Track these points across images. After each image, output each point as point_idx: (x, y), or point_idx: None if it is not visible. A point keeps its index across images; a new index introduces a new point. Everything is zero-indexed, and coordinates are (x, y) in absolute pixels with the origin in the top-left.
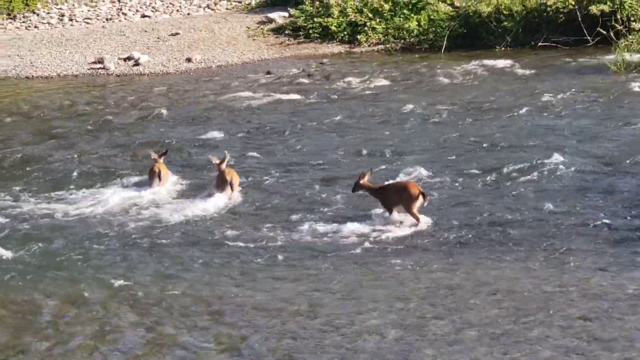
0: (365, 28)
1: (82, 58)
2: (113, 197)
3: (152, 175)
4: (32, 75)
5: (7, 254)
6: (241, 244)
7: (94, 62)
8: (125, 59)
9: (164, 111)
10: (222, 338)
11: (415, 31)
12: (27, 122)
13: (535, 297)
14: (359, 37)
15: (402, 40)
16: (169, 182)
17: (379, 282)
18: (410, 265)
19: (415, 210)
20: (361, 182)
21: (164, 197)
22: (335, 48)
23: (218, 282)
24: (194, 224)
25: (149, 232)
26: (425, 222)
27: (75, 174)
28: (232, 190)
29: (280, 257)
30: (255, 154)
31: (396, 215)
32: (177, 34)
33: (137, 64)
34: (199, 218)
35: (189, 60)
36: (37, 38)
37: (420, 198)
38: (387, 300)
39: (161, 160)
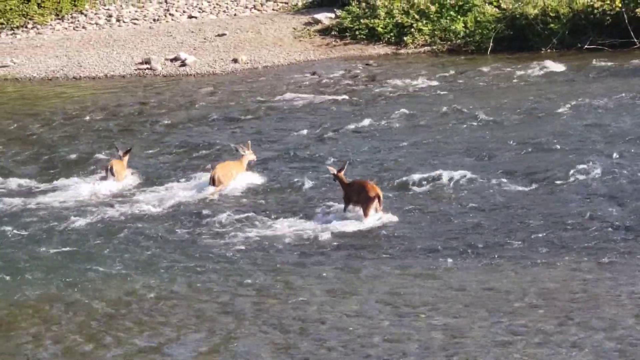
0: (412, 29)
1: (129, 59)
2: (171, 194)
3: (105, 171)
4: (80, 76)
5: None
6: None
7: (141, 63)
8: (172, 60)
9: (210, 111)
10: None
11: (462, 33)
12: (74, 123)
13: (583, 299)
14: (405, 38)
15: (449, 42)
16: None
17: (423, 283)
18: (456, 266)
19: (368, 210)
20: (337, 172)
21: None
22: (381, 49)
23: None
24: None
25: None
26: (374, 222)
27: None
28: None
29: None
30: (300, 153)
31: (350, 211)
32: (223, 34)
33: (183, 64)
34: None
35: (235, 60)
36: (85, 39)
37: (376, 201)
38: (432, 303)
39: (124, 158)
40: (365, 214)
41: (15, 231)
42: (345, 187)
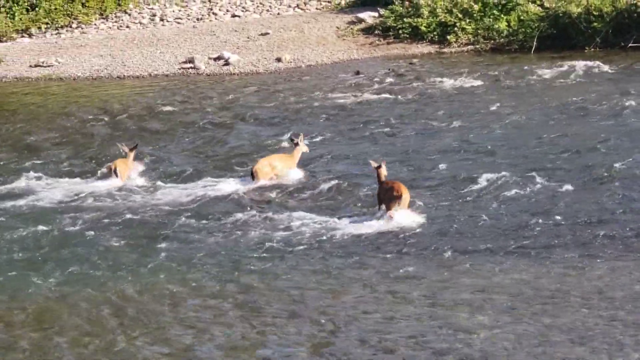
0: (455, 28)
1: (172, 58)
2: (204, 191)
3: (109, 171)
4: (124, 75)
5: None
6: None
7: (185, 62)
8: (215, 59)
9: (254, 110)
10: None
11: (505, 32)
12: (117, 122)
13: (629, 297)
14: (448, 37)
15: (492, 41)
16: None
17: (466, 281)
18: (499, 267)
19: (391, 209)
20: (377, 168)
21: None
22: (424, 48)
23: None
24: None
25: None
26: (399, 224)
27: (161, 170)
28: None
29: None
30: (344, 152)
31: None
32: (267, 33)
33: (227, 63)
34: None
35: (278, 60)
36: (129, 38)
37: (399, 201)
38: (477, 301)
39: (130, 154)
40: (388, 214)
41: (60, 229)
42: (380, 185)
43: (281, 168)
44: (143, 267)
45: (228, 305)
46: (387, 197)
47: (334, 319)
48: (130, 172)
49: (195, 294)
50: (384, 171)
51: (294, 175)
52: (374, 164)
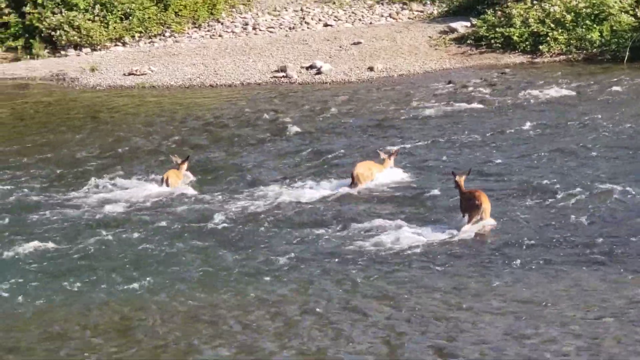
0: (548, 38)
1: (265, 66)
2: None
3: (161, 181)
4: (216, 84)
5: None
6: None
7: (277, 71)
8: (307, 68)
9: (346, 119)
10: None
11: (598, 42)
12: (210, 130)
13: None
14: (541, 47)
15: (584, 51)
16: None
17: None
18: (585, 276)
19: (472, 219)
20: (456, 179)
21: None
22: (517, 58)
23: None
24: None
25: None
26: (470, 234)
27: (248, 178)
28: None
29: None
30: (433, 162)
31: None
32: (359, 42)
33: (319, 72)
34: None
35: (370, 69)
36: (222, 46)
37: (480, 211)
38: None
39: (183, 166)
40: (469, 222)
41: (142, 236)
42: (461, 195)
43: (377, 175)
44: (232, 272)
45: (305, 314)
46: (468, 206)
47: (399, 325)
48: (179, 182)
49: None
50: (462, 181)
51: (385, 181)
52: (458, 177)
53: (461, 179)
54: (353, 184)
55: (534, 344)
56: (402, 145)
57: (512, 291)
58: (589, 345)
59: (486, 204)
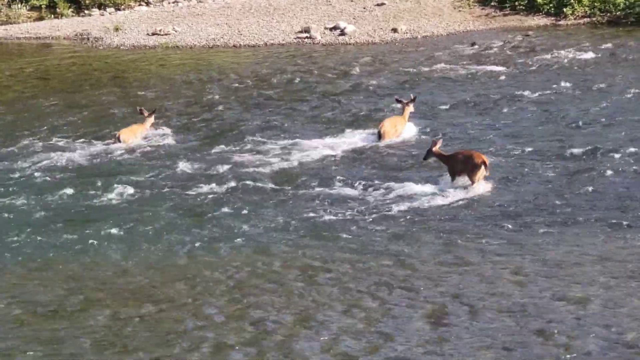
0: (572, 1)
1: (288, 27)
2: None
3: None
4: (240, 44)
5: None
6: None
7: (301, 32)
8: (331, 29)
9: (369, 80)
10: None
11: (622, 4)
12: (233, 90)
13: None
14: (564, 9)
15: (608, 14)
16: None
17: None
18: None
19: (476, 178)
20: (433, 149)
21: None
22: (540, 20)
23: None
24: None
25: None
26: (481, 191)
27: (274, 135)
28: None
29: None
30: (458, 124)
31: (459, 181)
32: (382, 4)
33: (342, 33)
34: None
35: (394, 30)
36: (246, 7)
37: (482, 168)
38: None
39: (147, 120)
40: (473, 181)
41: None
42: (447, 160)
43: (401, 129)
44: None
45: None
46: (468, 166)
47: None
48: (138, 137)
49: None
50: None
51: (407, 132)
52: (435, 147)
53: (437, 148)
54: (380, 139)
55: (563, 306)
56: (418, 93)
57: (540, 252)
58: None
59: (485, 159)
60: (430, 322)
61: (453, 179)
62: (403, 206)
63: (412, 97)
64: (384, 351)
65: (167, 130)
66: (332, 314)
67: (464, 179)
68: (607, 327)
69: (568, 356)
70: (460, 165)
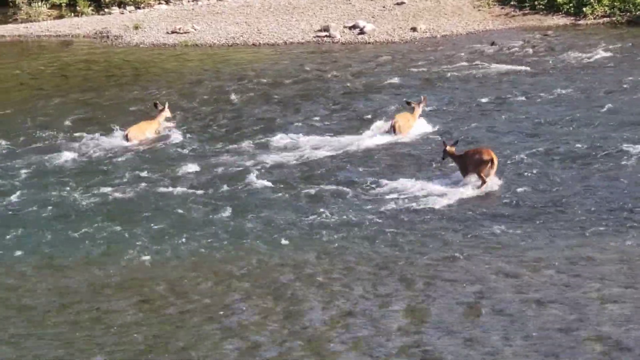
0: (591, 0)
1: (308, 26)
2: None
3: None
4: (259, 43)
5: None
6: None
7: (320, 30)
8: (350, 28)
9: (388, 79)
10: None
11: None
12: (252, 88)
13: None
14: (584, 9)
15: (628, 13)
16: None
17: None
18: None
19: (483, 173)
20: (447, 149)
21: None
22: (560, 20)
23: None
24: None
25: None
26: (492, 186)
27: (291, 130)
28: None
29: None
30: (475, 124)
31: (470, 178)
32: (402, 3)
33: (362, 32)
34: None
35: (414, 29)
36: (265, 5)
37: (489, 164)
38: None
39: (160, 115)
40: (481, 178)
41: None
42: (459, 160)
43: (412, 125)
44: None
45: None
46: (476, 163)
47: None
48: (147, 135)
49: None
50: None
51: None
52: (449, 147)
53: (451, 148)
54: (394, 133)
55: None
56: (426, 94)
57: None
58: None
59: (494, 157)
60: (465, 319)
61: (464, 176)
62: (416, 204)
63: (422, 98)
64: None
65: (180, 128)
66: (368, 307)
67: (474, 177)
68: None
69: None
70: (470, 162)
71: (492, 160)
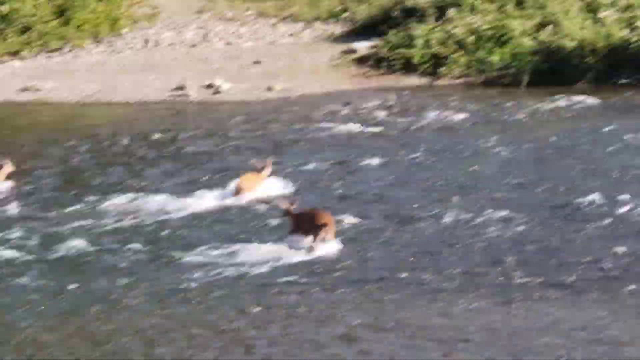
0: (448, 61)
1: (163, 84)
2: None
3: None
4: (112, 101)
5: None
6: None
7: (175, 89)
8: (206, 86)
9: (240, 140)
10: None
11: (498, 65)
12: (103, 149)
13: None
14: (441, 69)
15: (484, 74)
16: None
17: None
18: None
19: (318, 238)
20: (284, 207)
21: None
22: (416, 80)
23: None
24: None
25: None
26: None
27: (137, 194)
28: None
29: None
30: (333, 186)
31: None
32: (259, 62)
33: (218, 91)
34: None
35: (269, 89)
36: (121, 63)
37: (325, 228)
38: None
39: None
40: (315, 240)
41: None
42: (295, 219)
43: (258, 186)
44: None
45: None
46: (312, 226)
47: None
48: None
49: None
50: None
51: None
52: (286, 205)
53: (290, 207)
54: (237, 194)
55: None
56: (274, 156)
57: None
58: None
59: (330, 220)
60: None
61: (292, 234)
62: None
63: (268, 162)
64: None
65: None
66: None
67: (308, 238)
68: None
69: None
70: (306, 224)
71: (325, 225)
